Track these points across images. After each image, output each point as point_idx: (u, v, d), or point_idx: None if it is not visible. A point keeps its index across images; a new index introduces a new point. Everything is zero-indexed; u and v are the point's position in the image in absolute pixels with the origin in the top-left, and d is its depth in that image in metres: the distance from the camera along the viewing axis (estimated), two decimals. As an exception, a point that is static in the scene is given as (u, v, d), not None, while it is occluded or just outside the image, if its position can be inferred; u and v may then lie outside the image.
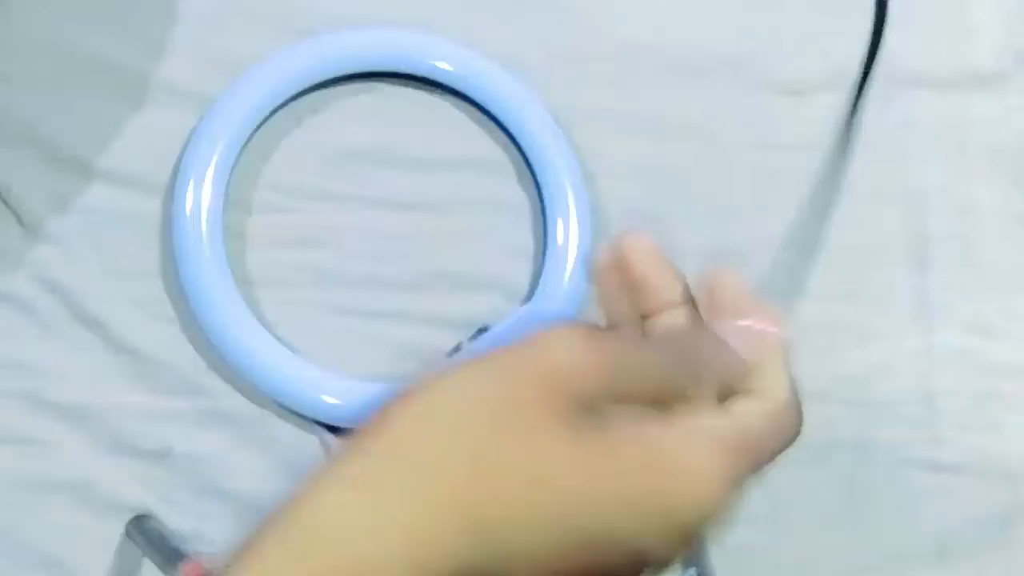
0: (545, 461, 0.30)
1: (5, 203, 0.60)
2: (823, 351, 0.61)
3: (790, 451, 0.60)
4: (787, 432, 0.39)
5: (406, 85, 0.63)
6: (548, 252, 0.60)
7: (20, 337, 0.58)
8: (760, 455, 0.37)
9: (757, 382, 0.38)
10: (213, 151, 0.59)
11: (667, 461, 0.32)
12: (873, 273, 0.62)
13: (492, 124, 0.63)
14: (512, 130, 0.62)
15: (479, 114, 0.63)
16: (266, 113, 0.61)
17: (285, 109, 0.62)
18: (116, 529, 0.55)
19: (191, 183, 0.59)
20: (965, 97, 0.65)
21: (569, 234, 0.60)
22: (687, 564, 0.53)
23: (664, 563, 0.33)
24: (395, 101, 0.63)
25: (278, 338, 0.58)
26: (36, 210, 0.60)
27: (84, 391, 0.58)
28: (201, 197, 0.59)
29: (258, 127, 0.61)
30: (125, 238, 0.60)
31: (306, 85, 0.62)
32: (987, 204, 0.64)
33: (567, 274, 0.60)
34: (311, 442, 0.58)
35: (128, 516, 0.55)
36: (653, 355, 0.34)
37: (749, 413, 0.36)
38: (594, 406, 0.31)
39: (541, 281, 0.60)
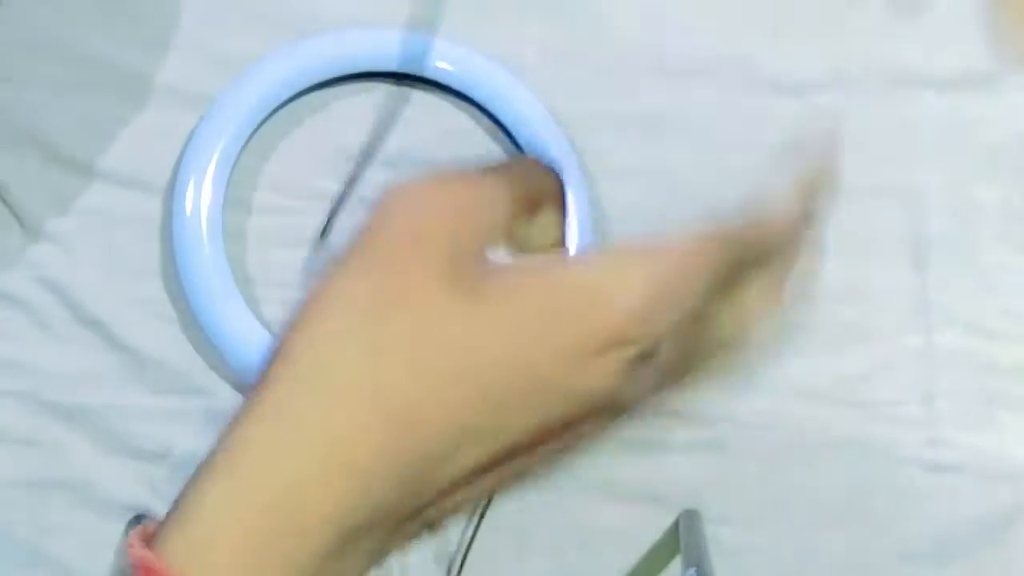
0: (437, 330, 0.29)
1: (5, 203, 0.60)
2: (823, 351, 0.61)
3: (791, 451, 0.60)
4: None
5: (407, 85, 0.63)
6: None
7: (20, 337, 0.58)
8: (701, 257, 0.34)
9: None
10: (213, 151, 0.59)
11: (567, 282, 0.31)
12: (873, 273, 0.62)
13: (492, 124, 0.63)
14: (512, 130, 0.62)
15: (479, 114, 0.63)
16: (266, 113, 0.61)
17: (285, 109, 0.62)
18: (116, 529, 0.55)
19: (191, 183, 0.59)
20: (965, 97, 0.65)
21: (569, 234, 0.60)
22: (687, 564, 0.53)
23: (616, 401, 0.32)
24: (396, 101, 0.63)
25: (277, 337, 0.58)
26: (36, 210, 0.60)
27: (84, 391, 0.58)
28: (201, 197, 0.59)
29: (258, 127, 0.61)
30: (125, 238, 0.60)
31: (306, 85, 0.62)
32: (987, 204, 0.64)
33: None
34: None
35: (128, 516, 0.55)
36: (500, 180, 0.33)
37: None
38: (476, 252, 0.31)
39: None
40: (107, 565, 0.56)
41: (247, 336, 0.57)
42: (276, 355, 0.30)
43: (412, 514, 0.29)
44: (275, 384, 0.29)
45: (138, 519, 0.56)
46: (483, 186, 0.32)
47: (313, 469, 0.28)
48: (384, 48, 0.63)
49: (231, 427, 0.29)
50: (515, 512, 0.58)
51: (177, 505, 0.29)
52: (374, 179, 0.62)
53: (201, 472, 0.29)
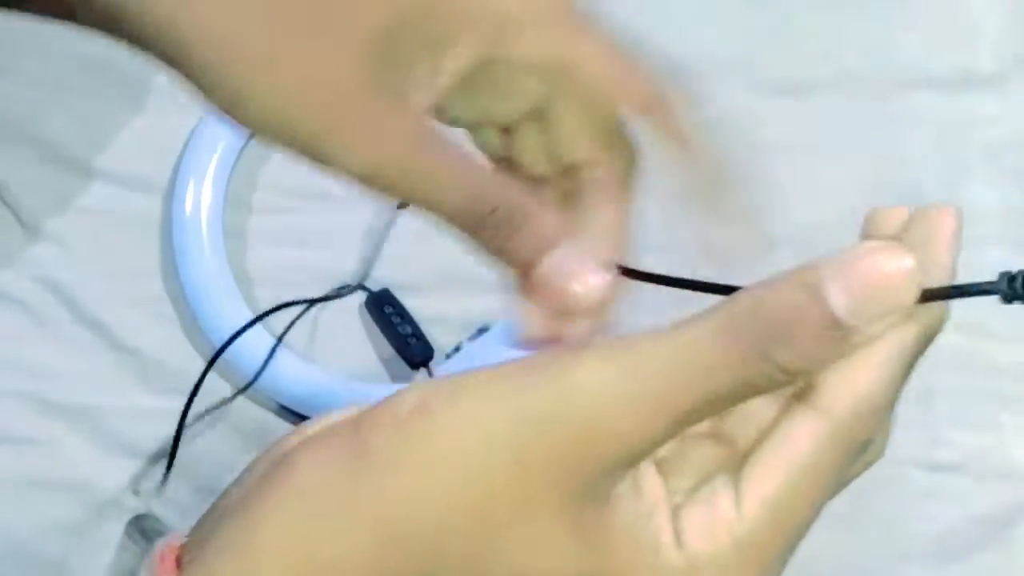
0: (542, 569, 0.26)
1: (5, 203, 0.60)
2: (823, 351, 0.61)
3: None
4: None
5: None
6: None
7: (20, 337, 0.58)
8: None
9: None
10: (213, 151, 0.59)
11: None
12: (873, 273, 0.62)
13: None
14: None
15: None
16: None
17: None
18: (116, 529, 0.55)
19: (191, 183, 0.59)
20: (965, 97, 0.65)
21: None
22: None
23: None
24: None
25: (279, 337, 0.58)
26: (36, 210, 0.60)
27: (84, 391, 0.58)
28: (201, 197, 0.59)
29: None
30: (125, 238, 0.60)
31: None
32: (987, 204, 0.64)
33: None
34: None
35: (128, 516, 0.55)
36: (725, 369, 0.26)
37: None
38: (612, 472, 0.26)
39: (541, 281, 0.60)
40: (106, 565, 0.56)
41: (247, 336, 0.57)
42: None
43: None
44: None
45: (138, 519, 0.56)
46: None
47: None
48: None
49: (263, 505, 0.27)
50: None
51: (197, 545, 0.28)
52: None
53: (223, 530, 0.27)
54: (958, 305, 0.66)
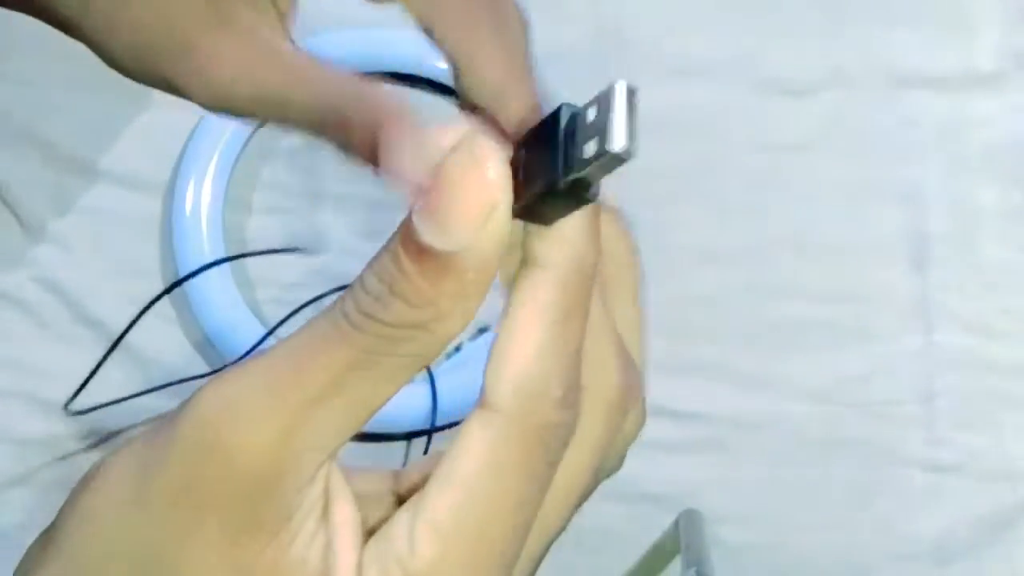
0: None
1: (5, 203, 0.60)
2: (823, 351, 0.61)
3: (791, 451, 0.60)
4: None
5: (406, 85, 0.63)
6: None
7: (20, 337, 0.58)
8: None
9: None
10: (213, 151, 0.59)
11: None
12: (873, 273, 0.62)
13: None
14: None
15: None
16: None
17: None
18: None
19: (191, 183, 0.59)
20: (965, 97, 0.65)
21: None
22: (687, 564, 0.53)
23: None
24: None
25: (278, 338, 0.58)
26: (36, 210, 0.60)
27: (90, 392, 0.58)
28: (201, 197, 0.59)
29: (259, 127, 0.61)
30: (125, 238, 0.60)
31: None
32: (987, 204, 0.64)
33: (567, 274, 0.60)
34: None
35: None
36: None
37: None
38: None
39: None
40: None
41: (247, 336, 0.57)
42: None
43: None
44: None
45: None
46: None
47: None
48: (385, 48, 0.63)
49: None
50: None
51: None
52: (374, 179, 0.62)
53: None
54: (958, 304, 0.66)
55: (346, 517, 0.24)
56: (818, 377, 0.61)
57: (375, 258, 0.23)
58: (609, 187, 0.25)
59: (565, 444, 0.25)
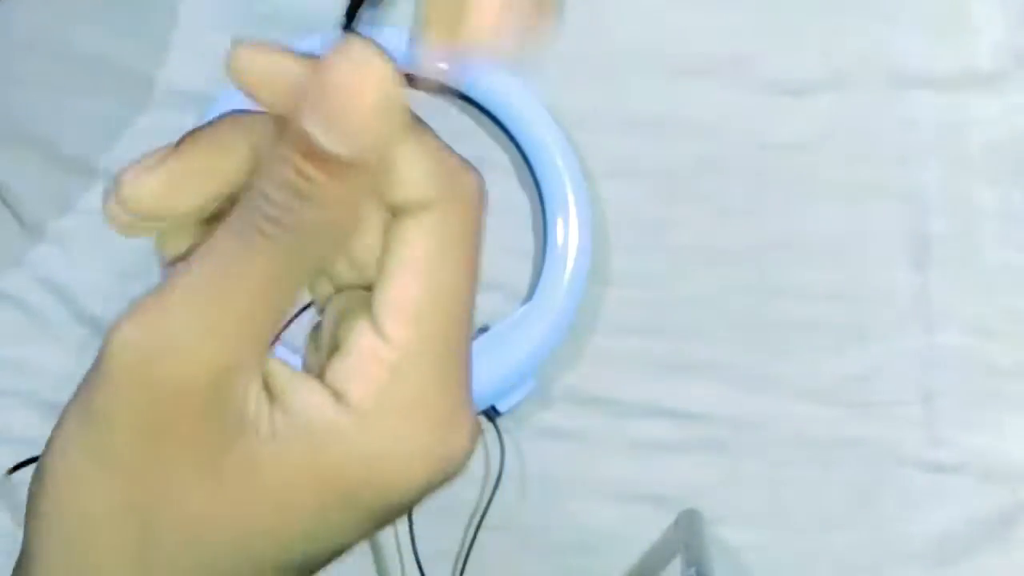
0: (173, 507, 0.25)
1: (5, 203, 0.60)
2: (823, 351, 0.61)
3: (791, 451, 0.60)
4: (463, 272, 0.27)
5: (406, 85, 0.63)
6: (548, 252, 0.60)
7: (20, 337, 0.58)
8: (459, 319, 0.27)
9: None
10: None
11: (334, 459, 0.25)
12: (873, 273, 0.62)
13: (492, 124, 0.63)
14: (512, 130, 0.62)
15: (479, 114, 0.63)
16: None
17: None
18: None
19: None
20: (965, 97, 0.65)
21: (569, 234, 0.61)
22: (687, 564, 0.53)
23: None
24: None
25: (281, 340, 0.58)
26: (36, 210, 0.60)
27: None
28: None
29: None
30: (125, 238, 0.60)
31: None
32: (987, 204, 0.64)
33: (567, 274, 0.60)
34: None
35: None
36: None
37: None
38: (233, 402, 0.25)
39: (541, 281, 0.60)
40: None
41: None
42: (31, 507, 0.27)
43: None
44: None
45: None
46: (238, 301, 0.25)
47: None
48: (385, 48, 0.62)
49: None
50: (515, 512, 0.58)
51: None
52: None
53: None
54: (958, 305, 0.66)
55: (283, 373, 0.26)
56: (818, 377, 0.61)
57: (265, 173, 0.24)
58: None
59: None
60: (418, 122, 0.27)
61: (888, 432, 0.60)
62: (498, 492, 0.58)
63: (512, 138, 0.63)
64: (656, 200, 0.63)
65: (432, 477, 0.26)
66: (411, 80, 0.25)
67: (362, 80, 0.24)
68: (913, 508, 0.60)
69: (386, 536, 0.57)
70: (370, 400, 0.25)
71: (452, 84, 0.62)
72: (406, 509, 0.26)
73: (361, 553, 0.58)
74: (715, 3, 0.66)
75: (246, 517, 0.25)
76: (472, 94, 0.63)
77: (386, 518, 0.26)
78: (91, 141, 0.61)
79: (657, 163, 0.63)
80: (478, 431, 0.27)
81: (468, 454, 0.26)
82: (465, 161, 0.27)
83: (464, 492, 0.58)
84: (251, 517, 0.25)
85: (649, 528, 0.58)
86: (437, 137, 0.27)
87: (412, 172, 0.26)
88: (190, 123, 0.61)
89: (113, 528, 0.25)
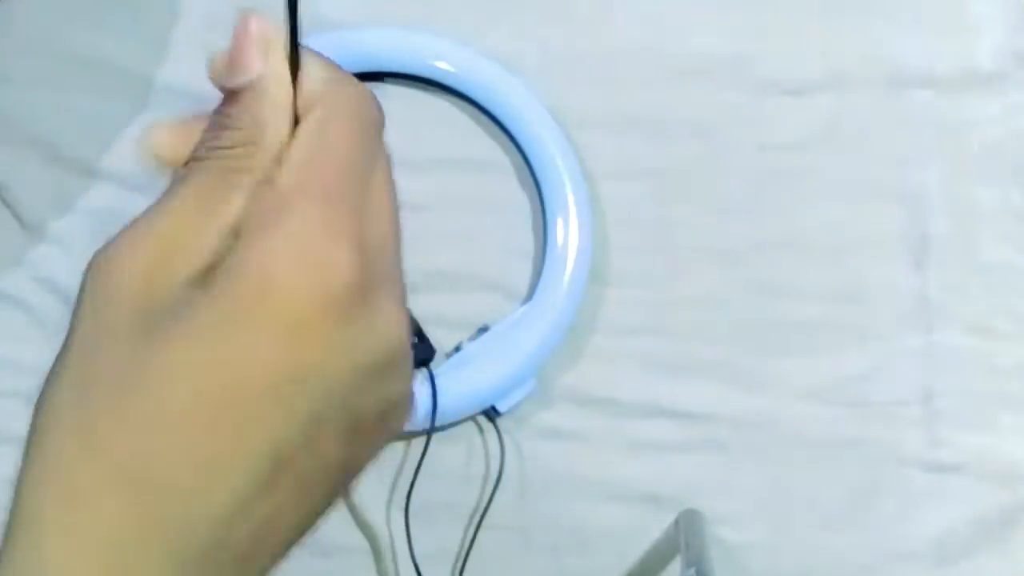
0: (135, 386, 0.28)
1: (5, 203, 0.60)
2: (823, 351, 0.61)
3: (791, 451, 0.60)
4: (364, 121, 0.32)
5: (406, 85, 0.63)
6: (548, 252, 0.60)
7: (20, 337, 0.58)
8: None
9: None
10: None
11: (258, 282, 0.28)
12: (873, 273, 0.62)
13: (492, 124, 0.63)
14: (512, 130, 0.62)
15: (479, 114, 0.63)
16: None
17: None
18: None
19: None
20: (965, 97, 0.65)
21: (569, 234, 0.61)
22: (687, 564, 0.53)
23: (388, 417, 0.30)
24: (396, 101, 0.63)
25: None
26: (36, 210, 0.60)
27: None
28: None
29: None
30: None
31: None
32: (987, 204, 0.64)
33: (567, 274, 0.60)
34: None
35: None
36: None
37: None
38: (175, 287, 0.29)
39: (541, 281, 0.60)
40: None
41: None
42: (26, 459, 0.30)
43: (237, 552, 0.27)
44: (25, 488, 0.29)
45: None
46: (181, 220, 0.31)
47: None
48: (385, 48, 0.63)
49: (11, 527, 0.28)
50: (515, 512, 0.58)
51: None
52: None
53: None
54: (958, 304, 0.66)
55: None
56: (818, 377, 0.61)
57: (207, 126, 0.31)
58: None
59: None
60: (311, 54, 0.33)
61: (888, 432, 0.60)
62: (498, 492, 0.58)
63: (512, 138, 0.63)
64: (656, 200, 0.63)
65: (318, 308, 0.28)
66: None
67: (245, 33, 0.33)
68: (913, 508, 0.60)
69: (384, 536, 0.57)
70: (257, 233, 0.28)
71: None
72: (318, 358, 0.28)
73: (361, 553, 0.58)
74: (715, 3, 0.66)
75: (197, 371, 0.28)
76: (473, 95, 0.63)
77: (307, 382, 0.28)
78: (91, 141, 0.61)
79: (657, 163, 0.63)
80: (376, 284, 0.30)
81: (351, 291, 0.28)
82: (351, 77, 0.32)
83: (464, 492, 0.58)
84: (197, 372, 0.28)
85: (649, 528, 0.58)
86: (330, 62, 0.32)
87: (305, 85, 0.31)
88: (190, 123, 0.61)
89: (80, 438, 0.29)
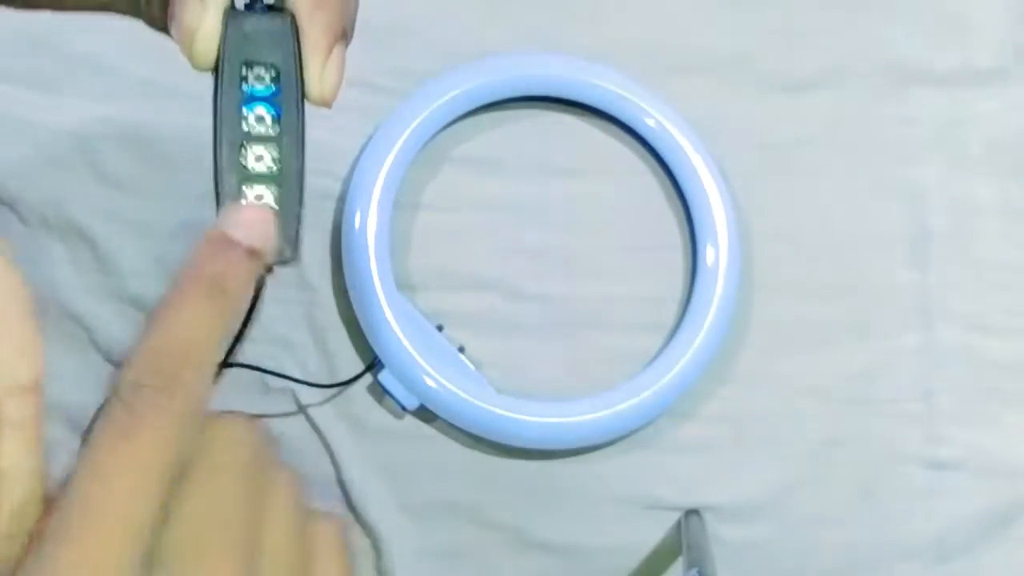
0: None
1: (5, 203, 0.60)
2: (823, 349, 0.61)
3: (792, 449, 0.60)
4: None
5: (549, 108, 0.63)
6: (698, 275, 0.60)
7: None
8: None
9: None
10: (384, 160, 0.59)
11: None
12: (873, 270, 0.62)
13: (637, 143, 0.63)
14: (663, 155, 0.62)
15: (621, 132, 0.63)
16: (431, 133, 0.61)
17: (452, 128, 0.62)
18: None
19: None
20: (965, 93, 0.65)
21: (720, 257, 0.60)
22: (689, 565, 0.53)
23: None
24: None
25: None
26: (36, 210, 0.60)
27: (84, 391, 0.57)
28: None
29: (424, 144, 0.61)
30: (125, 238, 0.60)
31: (476, 105, 0.61)
32: (987, 200, 0.64)
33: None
34: (312, 440, 0.58)
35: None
36: None
37: None
38: None
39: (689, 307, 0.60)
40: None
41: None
42: None
43: None
44: None
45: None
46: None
47: None
48: (540, 72, 0.62)
49: None
50: (515, 512, 0.58)
51: None
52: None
53: None
54: (959, 301, 0.66)
55: None
56: (818, 375, 0.61)
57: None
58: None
59: None
60: None
61: (888, 429, 0.60)
62: (498, 492, 0.58)
63: (660, 159, 0.62)
64: (655, 199, 0.63)
65: None
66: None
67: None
68: (913, 505, 0.60)
69: (383, 536, 0.57)
70: None
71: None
72: None
73: (360, 553, 0.58)
74: (715, 3, 0.66)
75: None
76: (626, 120, 0.62)
77: None
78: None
79: (656, 163, 0.63)
80: None
81: None
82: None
83: (464, 492, 0.58)
84: None
85: (650, 529, 0.58)
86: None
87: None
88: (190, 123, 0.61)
89: None
